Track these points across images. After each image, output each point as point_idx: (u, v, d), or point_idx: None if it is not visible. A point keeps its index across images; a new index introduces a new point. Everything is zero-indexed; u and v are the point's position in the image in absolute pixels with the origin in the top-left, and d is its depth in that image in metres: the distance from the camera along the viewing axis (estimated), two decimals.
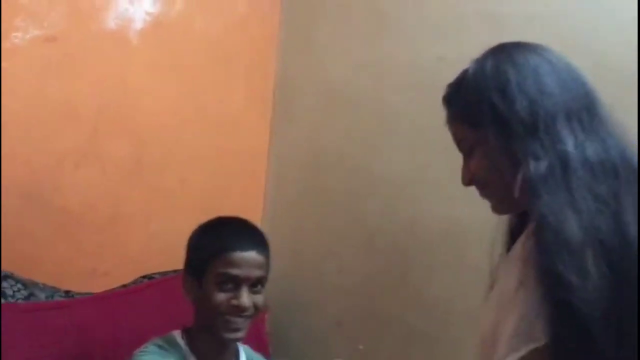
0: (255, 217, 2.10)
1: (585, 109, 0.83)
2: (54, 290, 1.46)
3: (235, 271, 1.21)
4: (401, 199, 1.81)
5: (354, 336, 1.90)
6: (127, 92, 1.69)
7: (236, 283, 1.21)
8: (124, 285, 1.58)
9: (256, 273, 1.23)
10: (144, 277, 1.62)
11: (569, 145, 0.78)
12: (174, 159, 1.81)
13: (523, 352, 0.70)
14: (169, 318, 1.36)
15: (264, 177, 2.14)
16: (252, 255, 1.23)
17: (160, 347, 1.22)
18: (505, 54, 0.90)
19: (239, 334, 1.23)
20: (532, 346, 0.70)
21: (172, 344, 1.24)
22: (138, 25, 1.69)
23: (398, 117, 1.84)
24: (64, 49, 1.54)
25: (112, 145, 1.65)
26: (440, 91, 1.00)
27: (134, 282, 1.61)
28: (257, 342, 1.75)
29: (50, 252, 1.53)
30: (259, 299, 1.25)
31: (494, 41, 1.59)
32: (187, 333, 1.27)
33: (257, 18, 2.05)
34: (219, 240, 1.24)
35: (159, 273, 1.63)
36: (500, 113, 0.83)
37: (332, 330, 1.95)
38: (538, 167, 0.77)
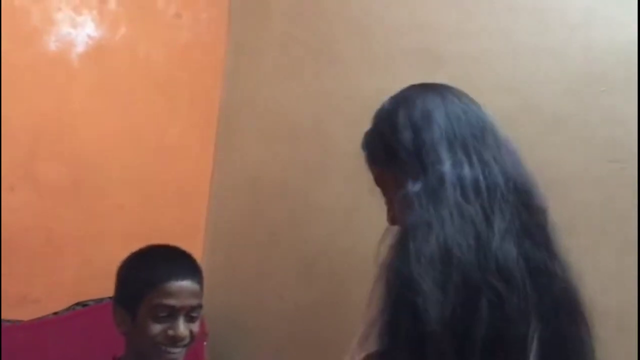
0: (195, 244, 2.09)
1: (472, 137, 0.88)
2: None
3: (171, 301, 1.19)
4: (339, 228, 1.84)
5: None
6: (66, 116, 1.67)
7: (172, 313, 1.19)
8: (56, 313, 1.54)
9: (192, 302, 1.22)
10: (77, 304, 1.58)
11: (446, 166, 0.83)
12: (112, 185, 1.78)
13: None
14: (101, 347, 1.33)
15: (205, 205, 2.13)
16: (187, 284, 1.22)
17: None
18: (403, 94, 0.99)
19: None
20: (363, 354, 0.74)
21: None
22: (80, 48, 1.68)
23: (338, 148, 1.88)
24: (3, 70, 1.51)
25: (49, 168, 1.62)
26: None
27: (67, 309, 1.57)
28: None
29: None
30: (195, 327, 1.24)
31: (430, 75, 1.67)
32: None
33: (202, 47, 2.06)
34: (153, 270, 1.22)
35: (93, 300, 1.59)
36: (388, 145, 0.91)
37: (271, 357, 1.94)
38: (414, 186, 0.83)
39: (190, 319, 1.22)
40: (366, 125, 1.70)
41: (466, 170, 0.83)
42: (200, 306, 1.26)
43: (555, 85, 1.49)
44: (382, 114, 0.98)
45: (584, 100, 1.44)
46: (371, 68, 1.88)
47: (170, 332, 1.18)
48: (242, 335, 2.02)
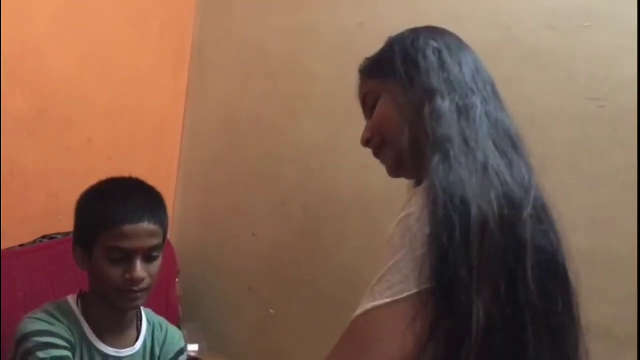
0: (168, 179, 2.06)
1: (490, 85, 0.87)
2: None
3: (125, 244, 1.11)
4: (315, 163, 1.82)
5: (265, 300, 1.91)
6: (29, 44, 1.58)
7: (128, 255, 1.12)
8: (22, 245, 1.50)
9: (149, 243, 1.14)
10: (44, 237, 1.55)
11: (476, 95, 0.82)
12: (79, 117, 1.72)
13: (386, 300, 0.69)
14: (69, 279, 1.30)
15: (178, 140, 2.08)
16: (142, 226, 1.13)
17: (50, 314, 1.15)
18: (421, 28, 0.93)
19: (137, 303, 1.17)
20: (404, 294, 0.68)
21: (65, 311, 1.17)
22: None
23: (315, 82, 1.84)
24: None
25: (12, 98, 1.55)
26: (359, 56, 0.99)
27: (34, 242, 1.53)
28: (166, 306, 1.73)
29: None
30: (155, 267, 1.17)
31: (414, 8, 1.62)
32: (82, 298, 1.20)
33: None
34: (106, 211, 1.13)
35: (62, 234, 1.56)
36: (410, 56, 0.86)
37: (243, 295, 1.95)
38: (444, 102, 0.80)
39: (149, 259, 1.15)
40: (346, 60, 1.67)
41: (490, 106, 0.82)
42: (159, 246, 1.17)
43: (537, 19, 1.45)
44: (402, 36, 0.92)
45: (566, 35, 1.41)
46: (352, 1, 1.81)
47: (127, 275, 1.12)
48: (215, 273, 2.02)
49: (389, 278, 0.69)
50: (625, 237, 1.35)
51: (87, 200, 1.19)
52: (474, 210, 0.69)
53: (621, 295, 1.39)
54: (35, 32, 1.59)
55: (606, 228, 1.34)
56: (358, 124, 1.00)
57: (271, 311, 1.90)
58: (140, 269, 1.12)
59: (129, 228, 1.12)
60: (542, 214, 0.77)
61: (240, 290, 1.96)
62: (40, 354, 1.07)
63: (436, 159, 0.74)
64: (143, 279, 1.13)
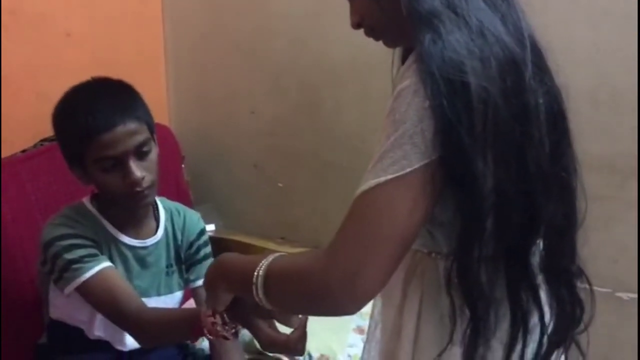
0: (156, 67, 2.01)
1: None
2: None
3: (110, 152, 1.08)
4: (306, 34, 1.76)
5: (272, 175, 1.94)
6: None
7: (119, 161, 1.10)
8: (24, 151, 1.50)
9: (133, 142, 1.10)
10: (44, 140, 1.54)
11: None
12: (54, 11, 1.64)
13: (390, 176, 0.66)
14: (74, 178, 1.30)
15: (160, 22, 2.00)
16: (119, 129, 1.08)
17: (69, 217, 1.17)
18: None
19: (147, 201, 1.17)
20: (408, 169, 0.66)
21: (83, 213, 1.18)
22: None
23: None
24: None
25: None
26: None
27: (34, 146, 1.53)
28: (177, 192, 1.76)
29: None
30: (150, 161, 1.14)
31: None
32: (96, 199, 1.21)
33: None
34: (78, 126, 1.09)
35: None
36: None
37: (250, 172, 1.97)
38: None
39: (141, 156, 1.12)
40: None
41: None
42: (147, 140, 1.13)
43: None
44: None
45: None
46: None
47: (127, 180, 1.10)
48: (220, 154, 2.03)
49: (391, 154, 0.66)
50: (627, 71, 1.33)
51: (59, 119, 1.15)
52: (475, 88, 0.65)
53: (624, 129, 1.40)
54: None
55: (607, 63, 1.31)
56: None
57: (279, 185, 1.94)
58: (135, 169, 1.10)
59: (106, 136, 1.08)
60: (540, 65, 0.75)
61: (246, 168, 1.98)
62: (67, 255, 1.12)
63: (427, 39, 0.68)
64: (143, 178, 1.11)
